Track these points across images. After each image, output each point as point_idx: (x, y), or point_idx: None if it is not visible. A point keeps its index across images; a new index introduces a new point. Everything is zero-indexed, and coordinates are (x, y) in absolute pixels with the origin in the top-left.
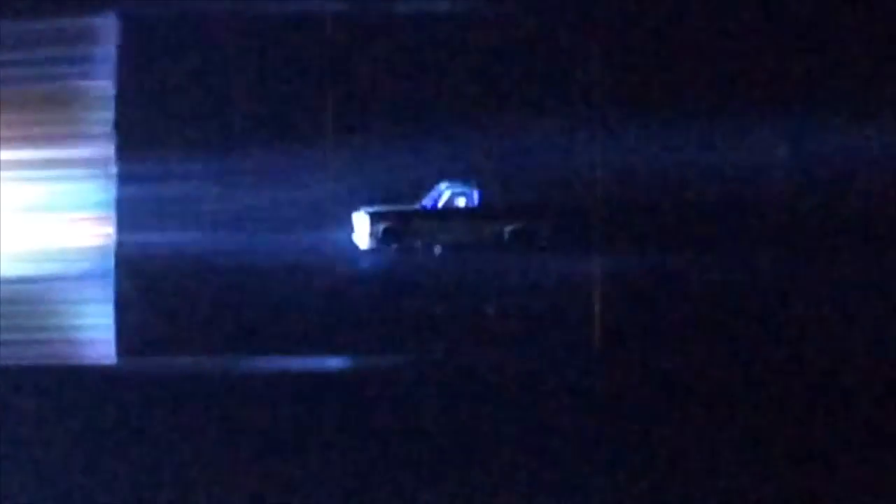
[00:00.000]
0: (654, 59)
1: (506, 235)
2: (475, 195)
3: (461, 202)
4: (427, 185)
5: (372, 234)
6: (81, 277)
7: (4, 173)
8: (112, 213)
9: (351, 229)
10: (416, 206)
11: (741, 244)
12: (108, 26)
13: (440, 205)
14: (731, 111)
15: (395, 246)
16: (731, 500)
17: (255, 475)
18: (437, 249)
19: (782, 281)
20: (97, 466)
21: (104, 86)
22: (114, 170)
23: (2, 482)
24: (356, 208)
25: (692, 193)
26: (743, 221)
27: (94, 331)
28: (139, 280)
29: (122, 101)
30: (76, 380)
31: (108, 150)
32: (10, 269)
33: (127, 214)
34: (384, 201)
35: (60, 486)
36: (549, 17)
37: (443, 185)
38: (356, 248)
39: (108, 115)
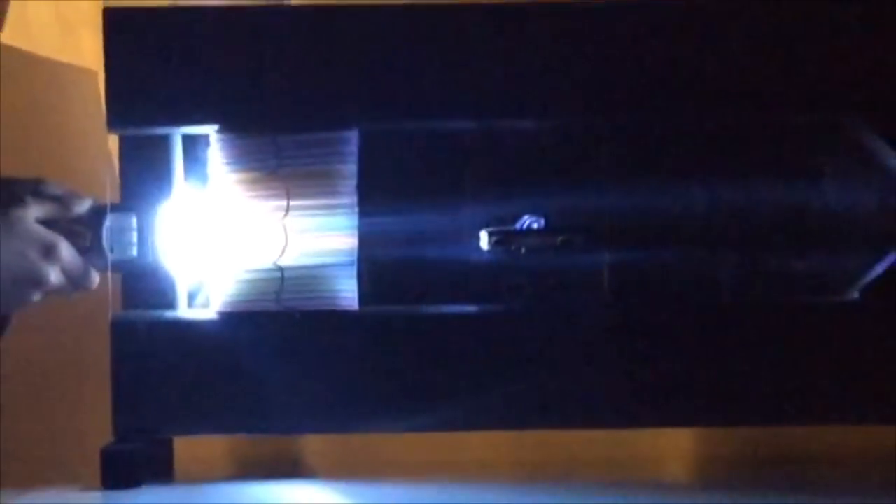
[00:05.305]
0: (651, 146)
1: (558, 242)
2: (542, 221)
3: (535, 225)
4: (517, 216)
5: (489, 243)
6: (337, 266)
7: (294, 213)
8: (355, 232)
9: (478, 240)
10: (512, 227)
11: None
12: (352, 136)
13: (524, 227)
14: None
15: (501, 248)
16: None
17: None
18: (523, 251)
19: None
20: (340, 377)
21: (350, 167)
22: (356, 210)
23: (287, 391)
24: (481, 229)
25: (668, 217)
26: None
27: (345, 293)
28: (371, 266)
29: (361, 173)
30: (333, 319)
31: (353, 199)
32: (297, 261)
33: (364, 233)
34: (495, 224)
35: (322, 393)
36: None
37: (526, 216)
38: (481, 249)
39: (353, 181)
